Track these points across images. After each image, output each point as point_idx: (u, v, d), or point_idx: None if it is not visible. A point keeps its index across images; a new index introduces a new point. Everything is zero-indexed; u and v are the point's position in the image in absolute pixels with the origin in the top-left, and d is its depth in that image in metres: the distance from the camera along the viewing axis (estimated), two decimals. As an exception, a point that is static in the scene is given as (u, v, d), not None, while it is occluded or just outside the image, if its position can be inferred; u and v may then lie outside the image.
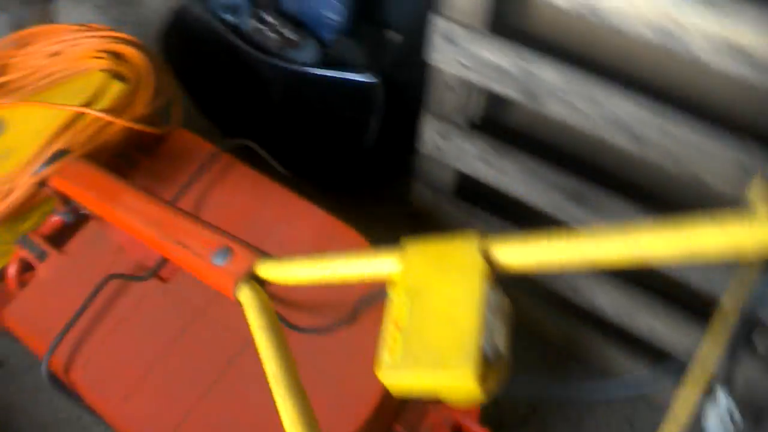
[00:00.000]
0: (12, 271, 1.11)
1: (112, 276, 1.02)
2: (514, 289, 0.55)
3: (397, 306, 0.52)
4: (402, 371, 0.49)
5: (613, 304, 1.13)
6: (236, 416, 0.87)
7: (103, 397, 0.93)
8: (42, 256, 1.09)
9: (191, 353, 0.96)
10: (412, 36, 1.42)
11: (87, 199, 0.93)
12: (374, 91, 1.26)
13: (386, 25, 1.53)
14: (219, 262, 0.67)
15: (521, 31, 1.03)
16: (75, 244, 1.10)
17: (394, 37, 1.51)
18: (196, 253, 0.70)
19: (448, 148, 1.19)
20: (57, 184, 0.99)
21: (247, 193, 1.11)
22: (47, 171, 1.02)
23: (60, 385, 1.12)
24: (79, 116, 1.10)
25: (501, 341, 0.50)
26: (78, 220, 1.12)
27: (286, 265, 0.63)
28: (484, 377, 0.48)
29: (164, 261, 1.04)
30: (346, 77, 1.27)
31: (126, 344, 0.98)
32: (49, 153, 1.05)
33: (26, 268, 1.11)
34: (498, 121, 1.21)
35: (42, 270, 1.09)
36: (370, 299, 0.88)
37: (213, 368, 0.93)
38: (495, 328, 0.50)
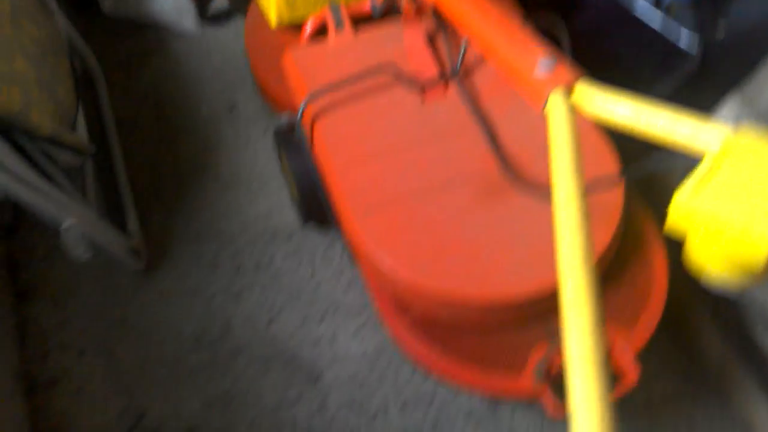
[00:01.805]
0: (311, 25, 1.25)
1: (389, 66, 1.11)
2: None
3: (714, 161, 0.55)
4: (702, 200, 0.51)
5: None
6: (432, 221, 0.94)
7: (334, 153, 1.04)
8: (340, 25, 1.21)
9: (416, 162, 1.03)
10: (741, 35, 1.38)
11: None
12: (688, 60, 1.23)
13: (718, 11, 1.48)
14: (542, 68, 0.71)
15: None
16: (371, 32, 1.21)
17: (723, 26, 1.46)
18: (523, 54, 0.75)
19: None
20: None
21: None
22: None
23: (281, 138, 1.26)
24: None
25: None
26: (382, 17, 1.23)
27: (605, 94, 0.66)
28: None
29: (433, 83, 1.12)
30: (668, 36, 1.25)
31: (368, 125, 1.07)
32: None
33: (323, 31, 1.24)
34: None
35: (333, 38, 1.21)
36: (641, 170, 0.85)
37: (428, 181, 0.99)
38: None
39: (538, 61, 0.73)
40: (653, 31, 1.28)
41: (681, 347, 1.23)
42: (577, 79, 0.69)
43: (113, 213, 1.34)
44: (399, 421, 1.17)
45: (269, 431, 1.16)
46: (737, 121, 1.15)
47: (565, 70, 0.71)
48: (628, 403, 1.07)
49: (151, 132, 1.52)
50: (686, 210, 0.53)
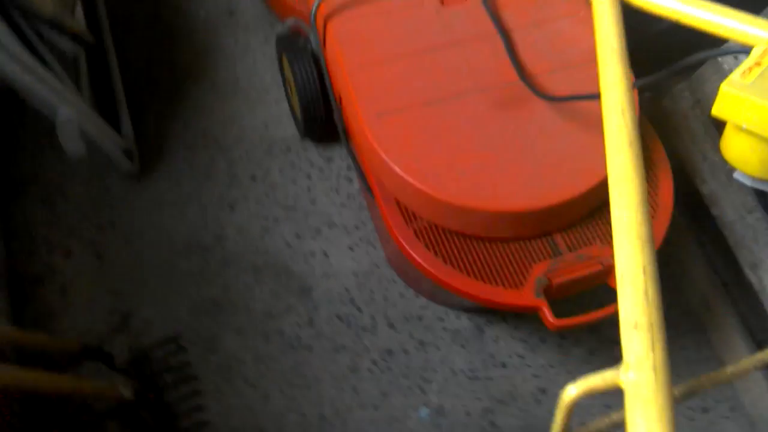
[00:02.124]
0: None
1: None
2: None
3: (764, 52, 0.53)
4: (750, 90, 0.51)
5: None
6: (445, 129, 0.92)
7: (348, 53, 0.99)
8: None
9: (432, 67, 0.98)
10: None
11: None
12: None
13: None
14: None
15: None
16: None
17: None
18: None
19: None
20: None
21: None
22: None
23: (284, 45, 1.21)
24: None
25: None
26: None
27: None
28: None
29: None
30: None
31: (385, 26, 1.02)
32: None
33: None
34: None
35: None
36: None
37: (444, 88, 0.96)
38: None
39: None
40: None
41: (667, 279, 1.24)
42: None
43: (106, 114, 1.29)
44: (386, 338, 1.18)
45: (256, 340, 1.16)
46: None
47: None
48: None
49: (147, 33, 1.46)
50: (731, 99, 0.51)
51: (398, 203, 0.93)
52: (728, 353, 1.22)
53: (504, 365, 1.18)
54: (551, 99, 0.93)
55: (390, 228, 0.92)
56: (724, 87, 0.51)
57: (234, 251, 1.23)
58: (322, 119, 1.21)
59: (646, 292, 0.47)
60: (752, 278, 1.08)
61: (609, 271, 0.87)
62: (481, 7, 1.01)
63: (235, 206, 1.27)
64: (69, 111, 1.07)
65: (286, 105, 1.36)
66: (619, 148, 0.47)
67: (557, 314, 0.85)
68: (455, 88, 0.95)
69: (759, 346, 1.14)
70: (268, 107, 1.38)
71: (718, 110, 0.52)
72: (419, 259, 0.88)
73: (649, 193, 0.96)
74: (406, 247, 0.90)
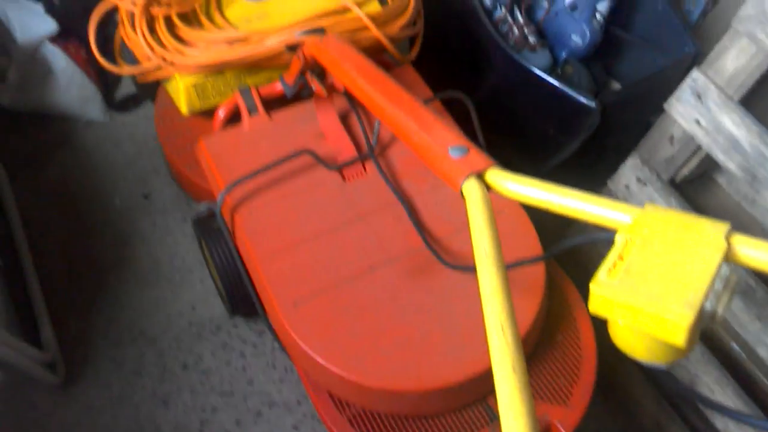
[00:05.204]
0: (223, 111, 1.23)
1: (307, 151, 1.11)
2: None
3: (625, 243, 0.56)
4: (616, 291, 0.52)
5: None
6: (362, 309, 0.92)
7: (257, 245, 1.01)
8: (253, 110, 1.20)
9: (342, 245, 1.01)
10: (634, 88, 1.48)
11: (338, 69, 1.01)
12: (590, 115, 1.29)
13: (608, 71, 1.61)
14: (455, 155, 0.72)
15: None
16: (284, 114, 1.20)
17: (613, 84, 1.60)
18: (435, 141, 0.75)
19: (639, 193, 1.19)
20: (311, 50, 1.09)
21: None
22: (304, 38, 1.13)
23: (201, 228, 1.22)
24: (344, 11, 1.20)
25: (720, 308, 0.52)
26: (295, 97, 1.22)
27: (516, 179, 0.67)
28: (693, 330, 0.50)
29: (351, 162, 1.12)
30: (570, 92, 1.31)
31: (291, 211, 1.05)
32: (308, 26, 1.16)
33: (236, 117, 1.22)
34: (698, 188, 1.20)
35: (247, 122, 1.19)
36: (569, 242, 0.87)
37: (355, 265, 0.98)
38: (719, 294, 0.52)
39: (449, 148, 0.73)
40: (554, 87, 1.33)
41: (616, 408, 1.24)
42: (488, 166, 0.70)
43: (25, 323, 1.25)
44: None
45: None
46: (638, 179, 1.21)
47: (477, 158, 0.71)
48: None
49: (63, 230, 1.44)
50: (602, 300, 0.53)
51: (328, 392, 0.91)
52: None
53: None
54: (456, 268, 0.95)
55: (323, 419, 0.89)
56: (593, 288, 0.53)
57: (174, 451, 1.17)
58: (247, 298, 1.20)
59: None
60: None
61: (547, 429, 0.86)
62: (380, 179, 1.05)
63: (168, 401, 1.21)
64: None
65: (210, 282, 1.35)
66: (504, 373, 0.47)
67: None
68: (366, 262, 0.96)
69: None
70: (193, 287, 1.36)
71: (593, 308, 0.54)
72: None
73: (571, 345, 0.98)
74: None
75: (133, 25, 1.19)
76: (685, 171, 1.20)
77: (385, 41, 1.21)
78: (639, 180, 1.20)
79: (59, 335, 1.25)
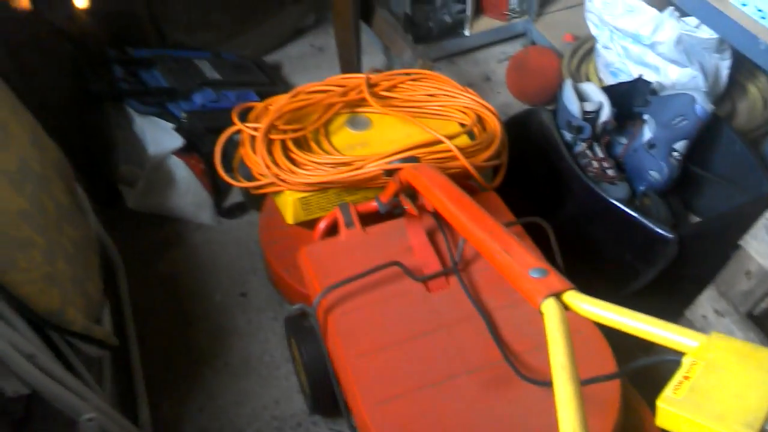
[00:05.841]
0: (324, 224, 1.37)
1: (396, 263, 1.22)
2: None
3: (691, 365, 0.61)
4: (682, 407, 0.57)
5: None
6: (441, 415, 0.98)
7: (347, 345, 1.10)
8: (350, 224, 1.34)
9: (424, 352, 1.09)
10: (711, 222, 1.52)
11: (429, 193, 1.14)
12: (668, 246, 1.34)
13: (686, 206, 1.67)
14: (535, 275, 0.80)
15: None
16: (378, 229, 1.32)
17: (691, 217, 1.65)
18: (517, 262, 0.84)
19: (717, 324, 1.22)
20: (406, 175, 1.23)
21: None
22: (400, 165, 1.28)
23: (293, 327, 1.33)
24: (436, 143, 1.35)
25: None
26: (388, 214, 1.35)
27: (593, 303, 0.75)
28: (755, 450, 0.54)
29: (435, 275, 1.22)
30: (648, 223, 1.38)
31: (379, 316, 1.15)
32: (404, 155, 1.31)
33: (334, 228, 1.36)
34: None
35: (344, 234, 1.32)
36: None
37: (436, 372, 1.05)
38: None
39: (529, 269, 0.82)
40: (633, 218, 1.40)
41: None
42: (567, 288, 0.78)
43: (125, 401, 1.36)
44: None
45: None
46: (715, 311, 1.24)
47: (556, 280, 0.79)
48: None
49: (166, 319, 1.59)
50: (667, 414, 0.58)
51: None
52: None
53: None
54: (533, 381, 1.00)
55: None
56: (660, 404, 0.59)
57: None
58: (329, 397, 1.27)
59: None
60: None
61: None
62: (463, 292, 1.14)
63: (248, 492, 1.27)
64: (91, 413, 1.14)
65: (295, 380, 1.44)
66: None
67: None
68: (447, 370, 1.03)
69: None
70: (279, 383, 1.45)
71: (660, 422, 0.59)
72: None
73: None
74: None
75: (253, 147, 1.38)
76: (764, 305, 1.21)
77: (472, 170, 1.34)
78: (716, 311, 1.23)
79: (153, 416, 1.36)
